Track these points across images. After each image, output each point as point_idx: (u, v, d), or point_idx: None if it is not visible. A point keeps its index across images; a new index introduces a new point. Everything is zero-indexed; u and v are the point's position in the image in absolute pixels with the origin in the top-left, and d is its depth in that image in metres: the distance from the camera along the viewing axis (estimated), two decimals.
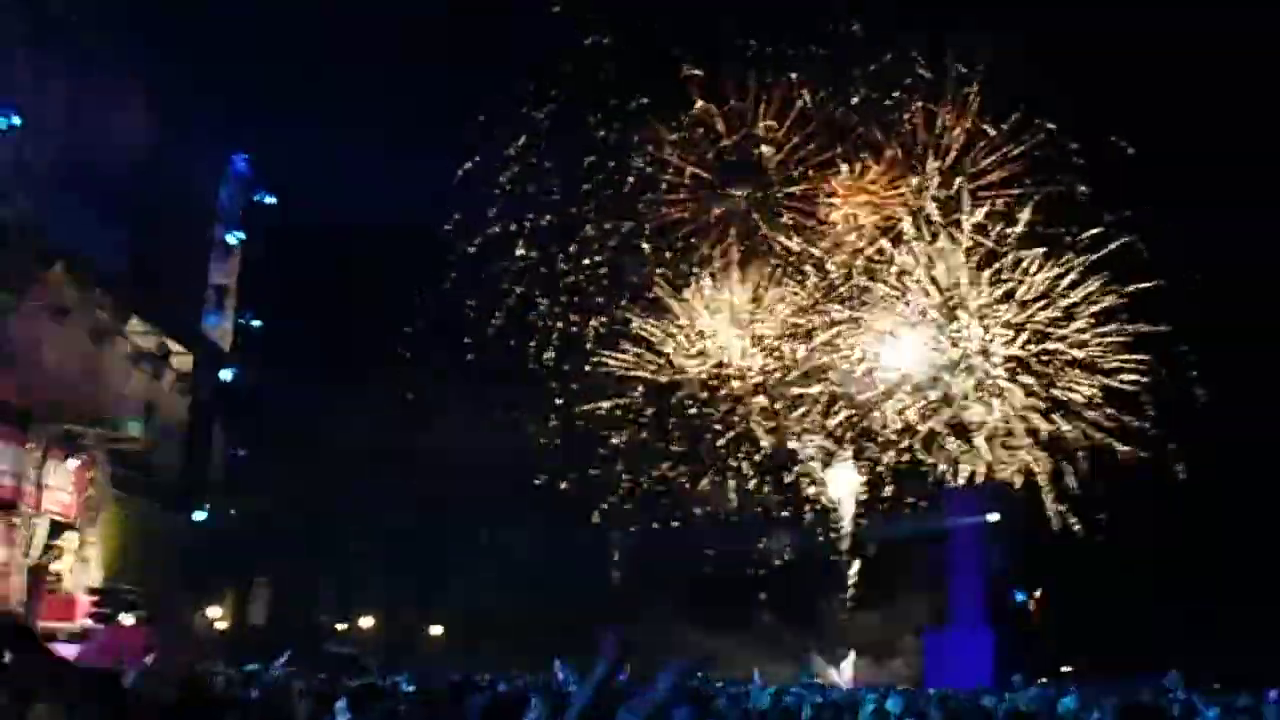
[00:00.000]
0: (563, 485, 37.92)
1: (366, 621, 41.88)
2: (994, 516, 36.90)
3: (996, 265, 37.13)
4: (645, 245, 38.01)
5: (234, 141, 37.11)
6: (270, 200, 38.58)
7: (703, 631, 35.54)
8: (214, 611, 35.70)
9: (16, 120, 28.19)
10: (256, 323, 38.42)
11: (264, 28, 33.29)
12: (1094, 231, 36.31)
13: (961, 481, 38.15)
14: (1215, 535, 33.39)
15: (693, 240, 38.21)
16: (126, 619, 28.52)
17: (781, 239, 37.59)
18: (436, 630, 42.88)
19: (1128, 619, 33.55)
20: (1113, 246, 36.18)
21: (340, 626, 41.49)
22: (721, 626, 36.19)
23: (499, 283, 37.93)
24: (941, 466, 37.89)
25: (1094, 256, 36.56)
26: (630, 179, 37.74)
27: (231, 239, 37.96)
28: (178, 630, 30.05)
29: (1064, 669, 32.19)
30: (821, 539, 39.11)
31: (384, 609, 42.08)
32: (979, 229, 36.98)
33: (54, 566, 29.06)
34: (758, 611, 40.16)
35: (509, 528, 38.45)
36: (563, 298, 38.26)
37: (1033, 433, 37.43)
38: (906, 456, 37.59)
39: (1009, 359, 37.30)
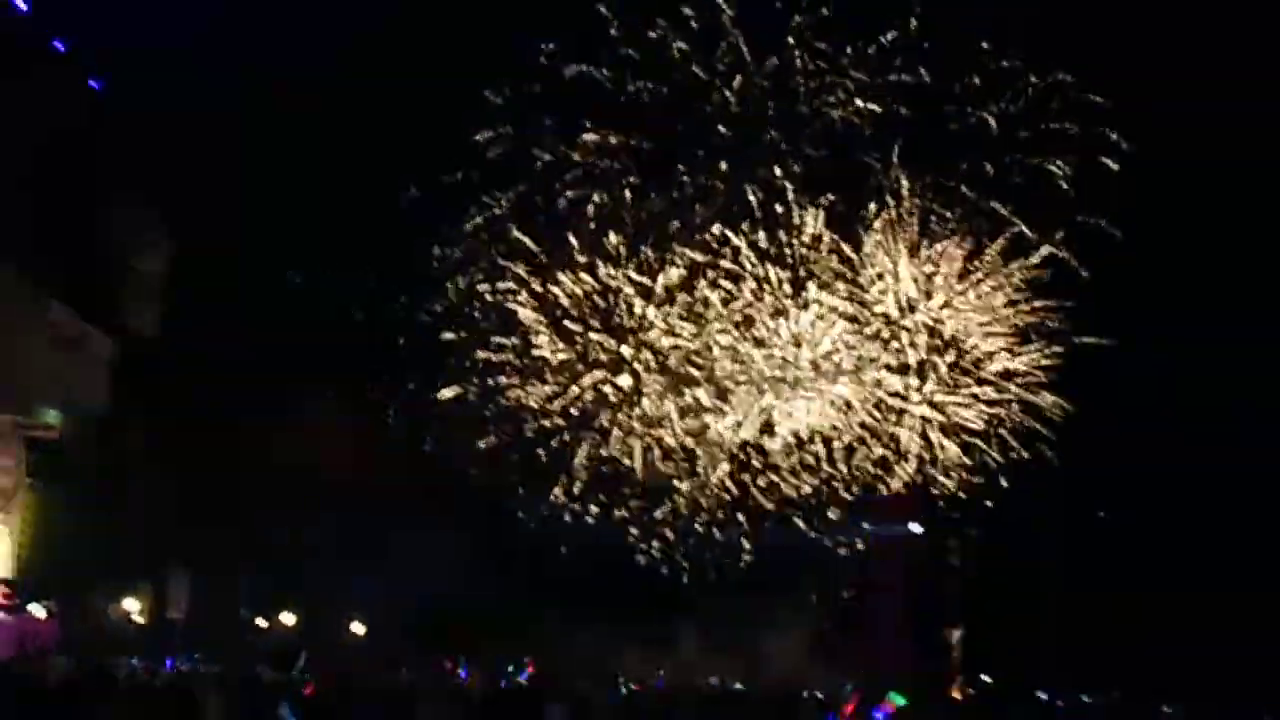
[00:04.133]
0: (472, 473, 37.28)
1: (288, 618, 41.33)
2: (916, 527, 37.42)
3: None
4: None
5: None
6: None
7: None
8: (130, 604, 35.07)
9: None
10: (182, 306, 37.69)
11: None
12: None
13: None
14: None
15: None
16: (37, 610, 28.04)
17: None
18: (359, 629, 42.47)
19: None
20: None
21: (261, 622, 40.91)
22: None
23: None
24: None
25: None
26: None
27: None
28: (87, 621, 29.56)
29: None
30: None
31: (305, 605, 41.54)
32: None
33: None
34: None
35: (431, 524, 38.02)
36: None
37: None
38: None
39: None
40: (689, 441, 37.32)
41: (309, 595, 41.25)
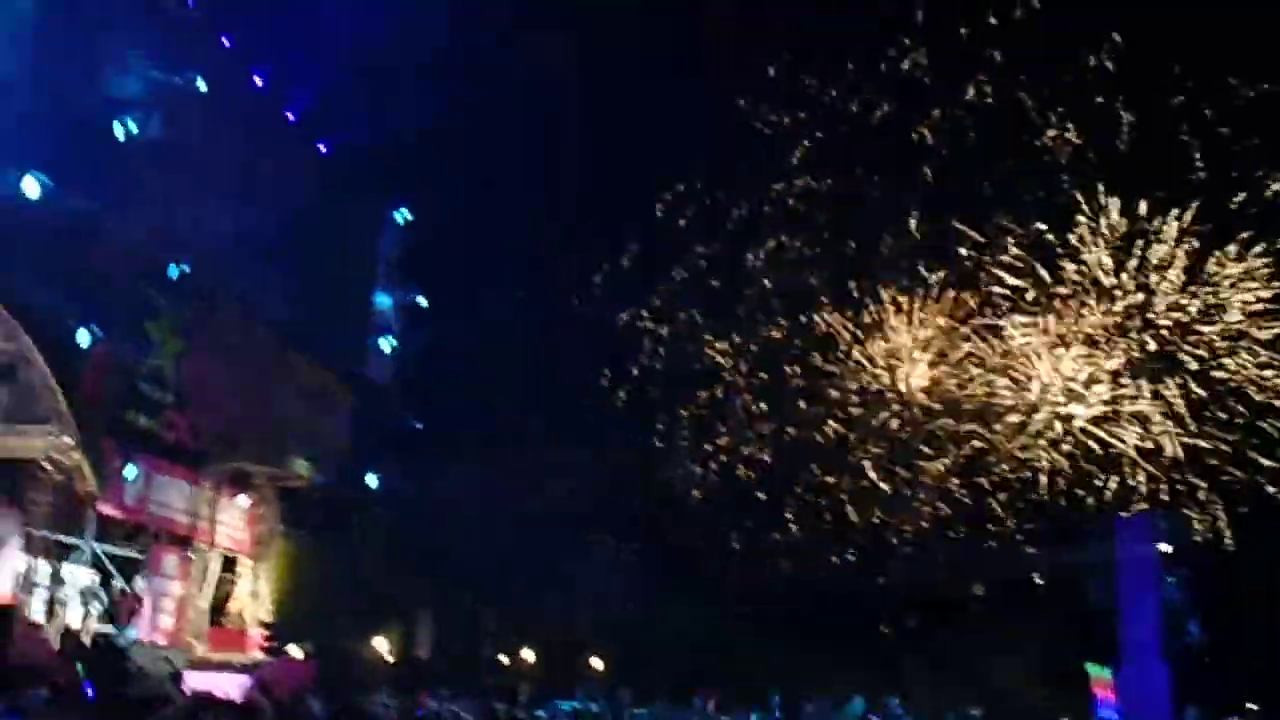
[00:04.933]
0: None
1: (528, 654, 42.36)
2: (1166, 547, 35.50)
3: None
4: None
5: (392, 191, 38.26)
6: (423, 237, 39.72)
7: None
8: (381, 644, 36.53)
9: (188, 173, 29.64)
10: (417, 359, 39.35)
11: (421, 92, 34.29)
12: None
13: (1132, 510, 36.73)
14: None
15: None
16: (295, 651, 29.55)
17: None
18: (597, 663, 43.16)
19: None
20: None
21: (503, 659, 42.04)
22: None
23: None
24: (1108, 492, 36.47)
25: None
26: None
27: (391, 273, 39.12)
28: (344, 662, 30.87)
29: (1249, 706, 30.65)
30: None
31: (544, 641, 42.50)
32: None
33: (228, 601, 30.33)
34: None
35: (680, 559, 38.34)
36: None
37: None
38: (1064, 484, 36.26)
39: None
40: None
41: (548, 631, 42.22)
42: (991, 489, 35.44)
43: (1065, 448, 35.43)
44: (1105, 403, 34.76)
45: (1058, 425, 35.15)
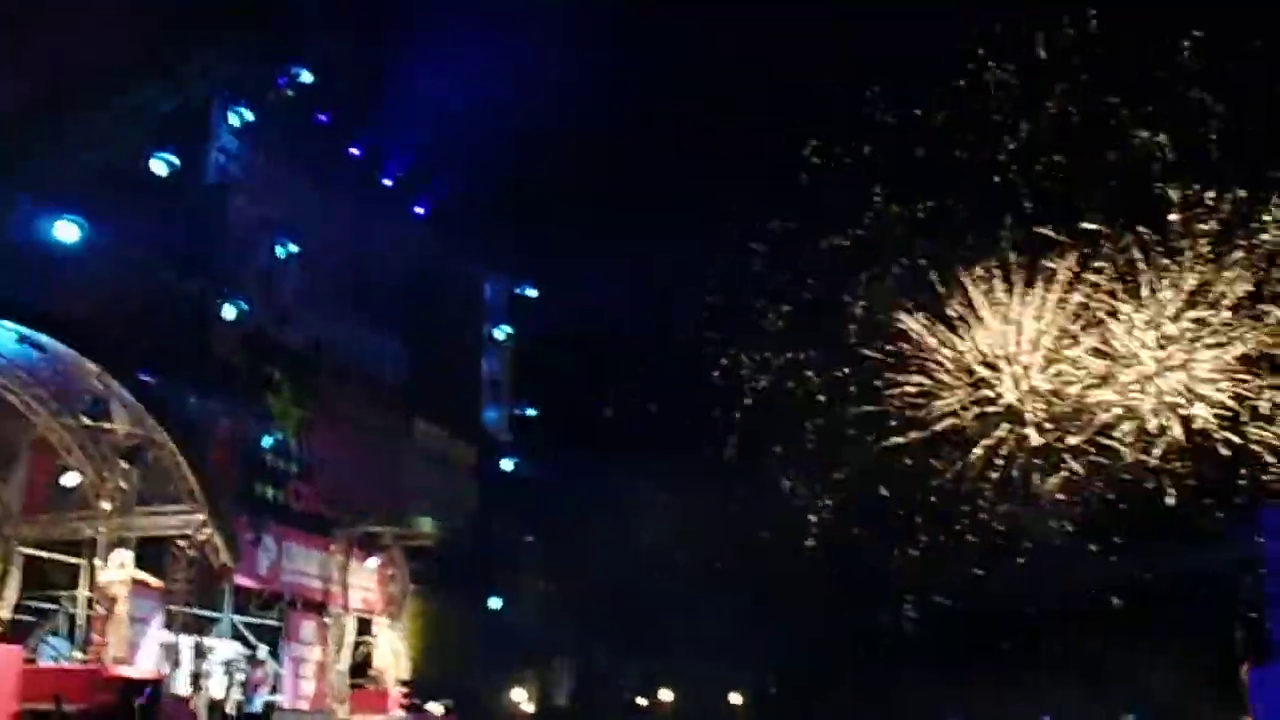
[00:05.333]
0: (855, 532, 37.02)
1: (666, 695, 42.32)
2: None
3: None
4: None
5: (497, 241, 38.79)
6: (532, 293, 40.20)
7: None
8: (519, 695, 36.82)
9: (295, 248, 30.59)
10: (531, 411, 39.88)
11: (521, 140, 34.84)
12: None
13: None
14: None
15: None
16: (435, 708, 29.94)
17: None
18: (736, 699, 42.96)
19: None
20: None
21: (641, 701, 42.04)
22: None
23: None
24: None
25: None
26: None
27: (500, 333, 39.63)
28: (484, 714, 31.20)
29: None
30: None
31: (684, 681, 42.40)
32: None
33: (366, 662, 30.85)
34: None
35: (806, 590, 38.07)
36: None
37: None
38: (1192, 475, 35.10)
39: None
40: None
41: (687, 671, 42.12)
42: (1118, 496, 34.74)
43: (1187, 446, 34.55)
44: (1230, 399, 33.83)
45: (1177, 428, 34.32)
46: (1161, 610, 35.95)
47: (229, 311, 28.25)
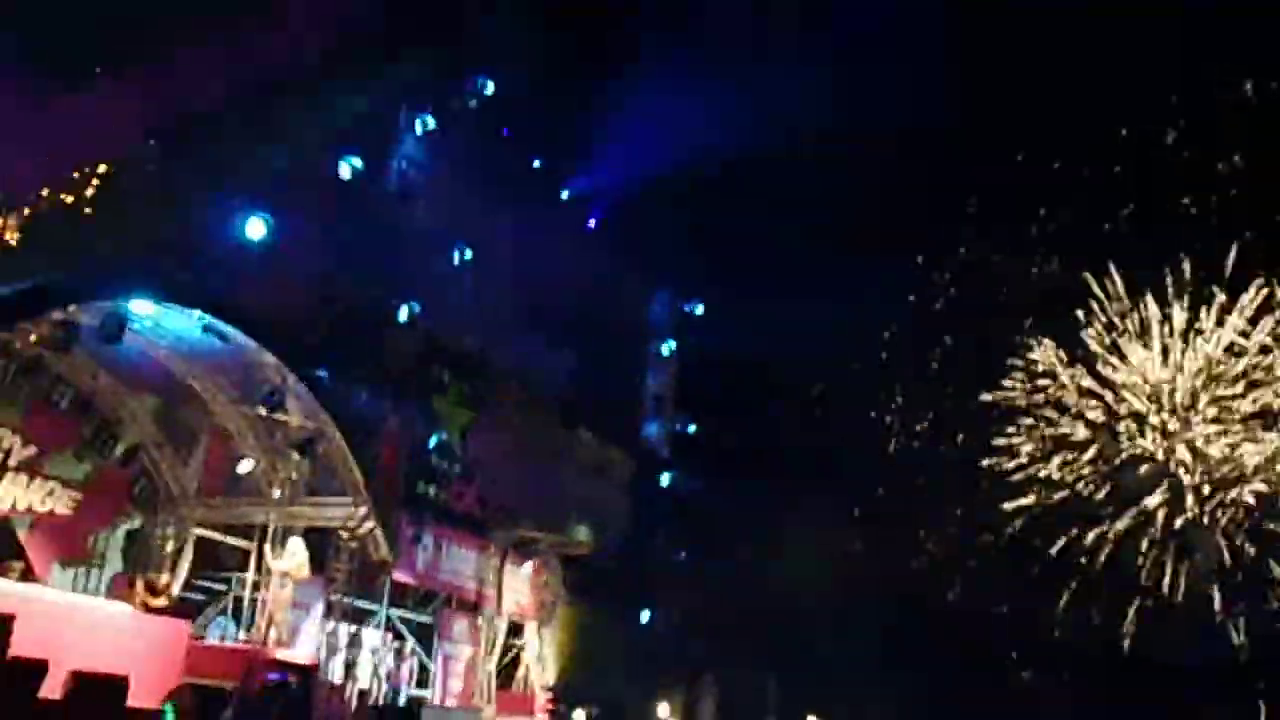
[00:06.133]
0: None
1: None
2: None
3: None
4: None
5: (662, 258, 39.07)
6: (698, 310, 40.31)
7: None
8: (663, 709, 36.79)
9: (469, 255, 31.29)
10: (691, 428, 39.97)
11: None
12: None
13: None
14: None
15: None
16: (579, 715, 30.13)
17: None
18: None
19: None
20: None
21: None
22: None
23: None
24: None
25: None
26: None
27: (664, 349, 39.82)
28: None
29: None
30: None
31: (830, 708, 41.77)
32: None
33: (514, 665, 31.23)
34: None
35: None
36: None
37: None
38: None
39: None
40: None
41: (835, 697, 41.48)
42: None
43: None
44: None
45: None
46: None
47: (403, 314, 29.01)
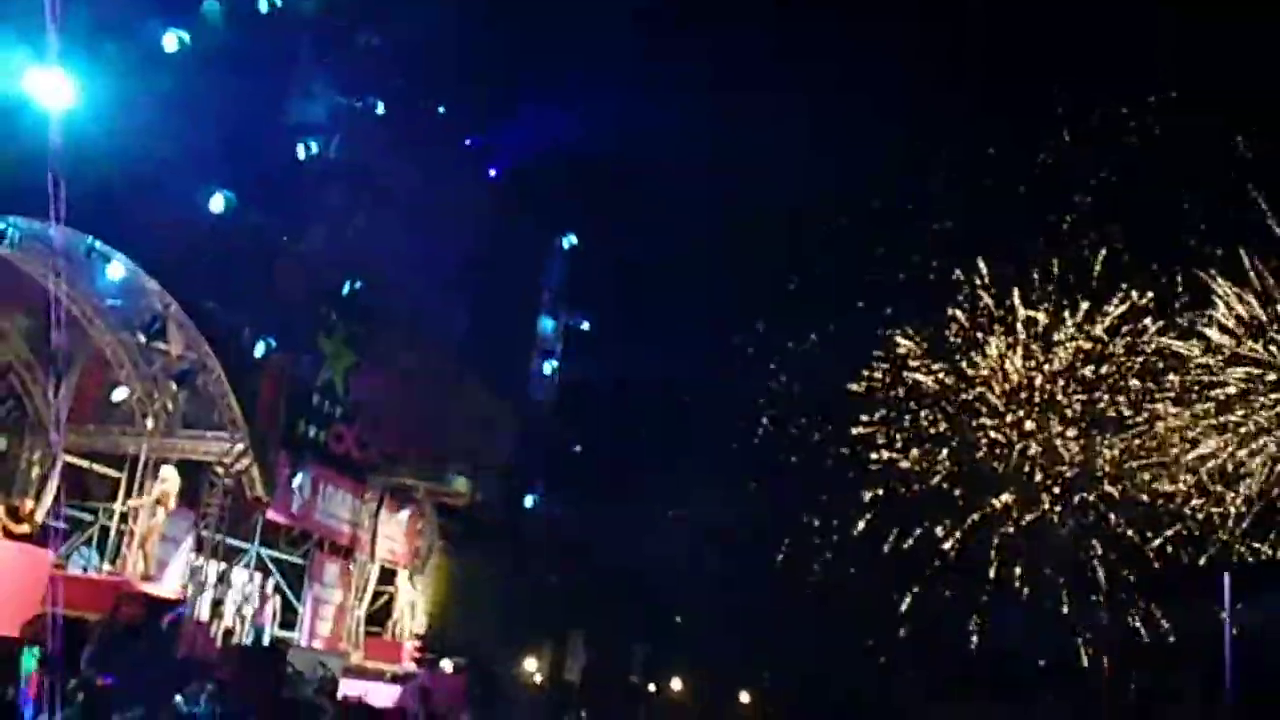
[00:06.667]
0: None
1: (676, 684, 42.25)
2: None
3: None
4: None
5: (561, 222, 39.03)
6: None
7: None
8: (530, 664, 36.90)
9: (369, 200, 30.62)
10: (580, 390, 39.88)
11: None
12: None
13: None
14: None
15: None
16: (446, 665, 30.06)
17: None
18: (745, 698, 42.82)
19: None
20: None
21: (651, 687, 42.01)
22: None
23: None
24: None
25: None
26: None
27: (549, 320, 39.83)
28: (493, 679, 31.26)
29: None
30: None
31: (693, 672, 42.31)
32: None
33: (385, 611, 31.02)
34: None
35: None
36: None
37: None
38: None
39: None
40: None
41: (698, 663, 42.03)
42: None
43: None
44: None
45: None
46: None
47: (291, 250, 28.29)
